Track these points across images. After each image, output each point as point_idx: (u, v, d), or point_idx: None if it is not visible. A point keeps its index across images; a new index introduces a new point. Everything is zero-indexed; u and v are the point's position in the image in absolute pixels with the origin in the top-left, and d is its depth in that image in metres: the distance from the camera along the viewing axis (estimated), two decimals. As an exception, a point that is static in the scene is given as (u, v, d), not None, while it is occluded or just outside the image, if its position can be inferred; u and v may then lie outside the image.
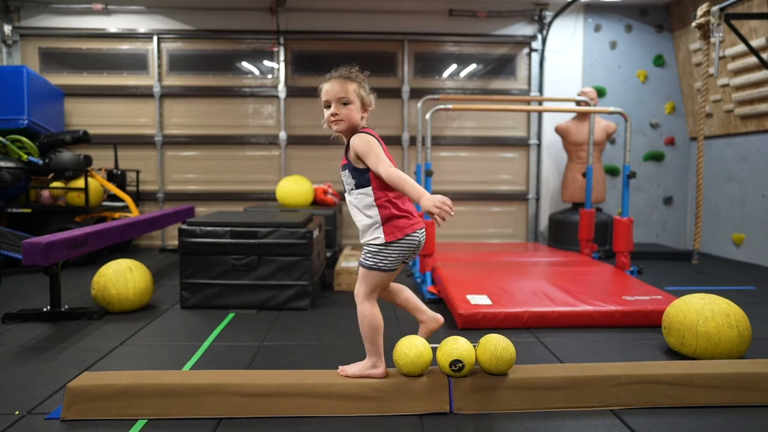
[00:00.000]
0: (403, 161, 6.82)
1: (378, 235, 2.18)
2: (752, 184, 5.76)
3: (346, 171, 2.23)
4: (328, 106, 2.21)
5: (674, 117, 6.87)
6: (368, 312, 2.24)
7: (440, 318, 2.48)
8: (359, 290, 2.25)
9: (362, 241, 2.25)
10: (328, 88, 2.19)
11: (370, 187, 2.17)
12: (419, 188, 2.03)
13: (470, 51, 6.83)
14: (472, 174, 6.89)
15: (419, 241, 2.23)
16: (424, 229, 2.26)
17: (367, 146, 2.12)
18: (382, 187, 2.16)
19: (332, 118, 2.20)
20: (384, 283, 2.27)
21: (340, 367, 2.30)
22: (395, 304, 2.47)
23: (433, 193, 3.36)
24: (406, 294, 2.47)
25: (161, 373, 2.27)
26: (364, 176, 2.17)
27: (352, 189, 2.22)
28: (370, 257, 2.20)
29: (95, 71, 6.61)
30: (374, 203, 2.17)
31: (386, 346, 2.42)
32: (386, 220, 2.17)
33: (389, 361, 2.30)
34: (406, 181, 2.05)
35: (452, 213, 1.96)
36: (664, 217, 6.95)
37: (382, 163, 2.10)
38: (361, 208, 2.20)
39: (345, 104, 2.18)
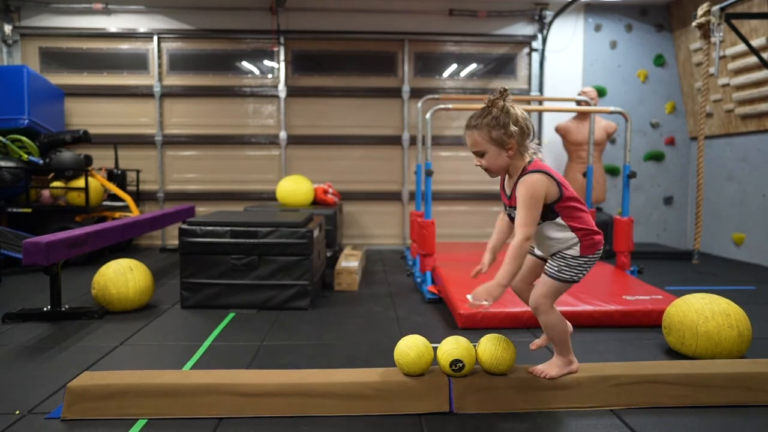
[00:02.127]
0: (404, 161, 6.82)
1: (572, 246, 2.13)
2: (752, 183, 5.76)
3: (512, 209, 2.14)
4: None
5: (674, 117, 6.87)
6: (558, 320, 2.22)
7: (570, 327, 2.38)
8: (545, 302, 2.19)
9: (545, 251, 2.20)
10: (467, 140, 2.13)
11: (559, 217, 2.10)
12: (507, 276, 2.06)
13: (470, 51, 6.83)
14: (472, 174, 6.86)
15: (599, 257, 2.22)
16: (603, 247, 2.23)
17: (529, 199, 2.01)
18: (569, 212, 2.10)
19: (482, 169, 2.13)
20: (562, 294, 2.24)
21: (530, 369, 2.26)
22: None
23: (433, 193, 3.38)
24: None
25: (161, 373, 2.27)
26: (547, 212, 2.08)
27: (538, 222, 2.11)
28: (565, 269, 2.14)
29: (95, 71, 6.61)
30: (565, 224, 2.11)
31: (386, 346, 2.43)
32: (582, 232, 2.14)
33: (389, 361, 2.30)
34: (514, 260, 2.04)
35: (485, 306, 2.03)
36: (665, 217, 6.95)
37: (524, 227, 2.00)
38: (550, 231, 2.13)
39: (481, 155, 2.09)
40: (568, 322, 2.28)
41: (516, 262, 2.05)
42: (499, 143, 2.05)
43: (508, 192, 2.16)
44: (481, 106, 2.13)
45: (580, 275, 2.17)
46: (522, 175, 2.07)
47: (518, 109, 2.09)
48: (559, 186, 2.08)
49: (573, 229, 2.12)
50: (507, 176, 2.17)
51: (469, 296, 2.06)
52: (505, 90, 2.14)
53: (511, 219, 2.18)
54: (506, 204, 2.20)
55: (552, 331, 2.23)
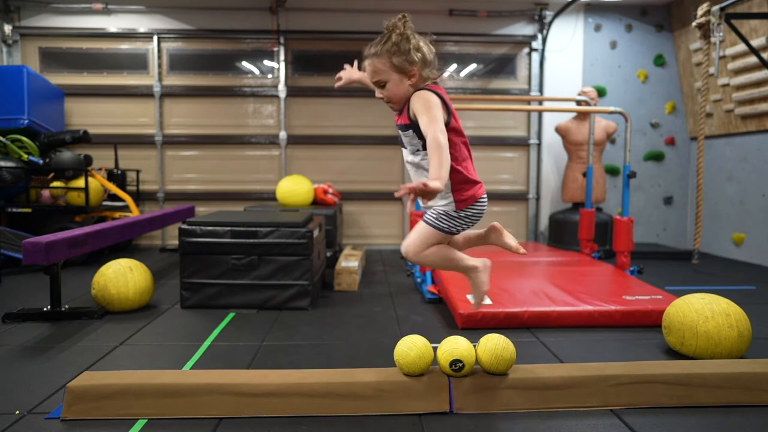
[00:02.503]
0: (404, 161, 6.81)
1: (448, 200, 2.03)
2: (752, 184, 5.76)
3: (409, 131, 2.00)
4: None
5: (674, 117, 6.87)
6: (431, 254, 2.06)
7: (488, 262, 2.24)
8: (413, 245, 2.04)
9: (428, 203, 2.06)
10: (366, 69, 2.01)
11: None
12: (443, 170, 1.80)
13: (470, 51, 6.83)
14: (472, 174, 6.87)
15: (485, 207, 2.10)
16: (486, 196, 2.11)
17: (424, 105, 1.89)
18: (454, 144, 1.96)
19: (384, 101, 2.02)
20: (438, 243, 2.09)
21: (473, 305, 2.17)
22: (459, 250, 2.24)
23: None
24: (464, 238, 2.29)
25: (161, 373, 2.27)
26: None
27: (417, 150, 2.01)
28: (441, 219, 2.03)
29: (95, 71, 6.61)
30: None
31: (386, 346, 2.43)
32: (457, 184, 2.01)
33: (389, 361, 2.30)
34: (440, 154, 1.81)
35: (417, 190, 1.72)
36: (664, 217, 6.95)
37: (433, 126, 1.85)
38: (428, 169, 1.91)
39: (382, 86, 1.98)
40: (449, 251, 2.09)
41: (440, 153, 1.82)
42: (401, 70, 1.94)
43: (400, 113, 2.05)
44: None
45: (461, 228, 2.07)
46: (420, 88, 1.98)
47: (419, 37, 2.00)
48: (449, 112, 1.97)
49: (451, 171, 1.94)
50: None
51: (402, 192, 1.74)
52: (404, 15, 2.00)
53: (401, 141, 2.07)
54: (397, 123, 2.07)
55: (436, 266, 2.10)
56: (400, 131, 2.08)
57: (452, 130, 1.99)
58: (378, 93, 2.01)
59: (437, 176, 1.80)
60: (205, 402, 2.10)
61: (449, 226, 2.07)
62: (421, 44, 1.97)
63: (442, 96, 1.98)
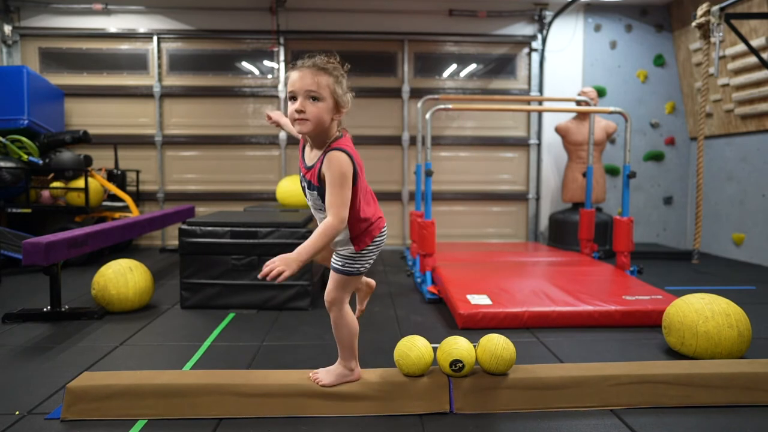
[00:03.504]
0: (403, 161, 6.82)
1: (347, 246, 2.07)
2: (752, 184, 5.76)
3: (314, 192, 1.98)
4: (293, 98, 1.89)
5: (674, 117, 6.87)
6: (350, 320, 2.14)
7: (372, 282, 2.38)
8: (337, 297, 2.09)
9: (333, 248, 2.12)
10: (297, 78, 1.87)
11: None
12: (308, 251, 1.87)
13: (470, 51, 6.83)
14: (472, 174, 6.88)
15: (384, 239, 2.13)
16: (386, 227, 2.14)
17: (338, 178, 1.87)
18: (357, 204, 1.98)
19: (297, 116, 1.86)
20: (355, 285, 2.16)
21: (310, 373, 2.20)
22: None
23: (433, 194, 3.33)
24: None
25: (161, 373, 2.27)
26: None
27: (320, 209, 2.01)
28: (346, 264, 2.07)
29: (95, 71, 6.61)
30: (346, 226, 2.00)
31: (386, 346, 2.43)
32: (357, 233, 2.04)
33: (389, 362, 2.30)
34: (322, 238, 1.90)
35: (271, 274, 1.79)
36: (664, 217, 6.95)
37: (334, 209, 1.88)
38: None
39: (314, 100, 1.87)
40: (357, 327, 2.17)
41: (322, 240, 1.89)
42: (337, 102, 1.90)
43: (309, 162, 1.99)
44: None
45: (367, 264, 2.10)
46: (329, 149, 1.91)
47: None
48: (355, 172, 1.93)
49: (350, 227, 2.00)
50: (311, 143, 2.00)
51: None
52: (346, 63, 1.98)
53: (305, 191, 2.05)
54: (304, 174, 2.02)
55: (340, 331, 2.14)
56: (304, 184, 2.03)
57: (356, 193, 1.97)
58: (299, 105, 1.87)
59: (301, 254, 1.86)
60: (205, 402, 2.10)
61: (355, 268, 2.08)
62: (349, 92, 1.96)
63: (352, 157, 1.94)
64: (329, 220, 1.90)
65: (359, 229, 2.04)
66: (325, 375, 2.19)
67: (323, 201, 1.95)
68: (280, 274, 1.79)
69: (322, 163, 1.92)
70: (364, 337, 3.12)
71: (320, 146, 1.97)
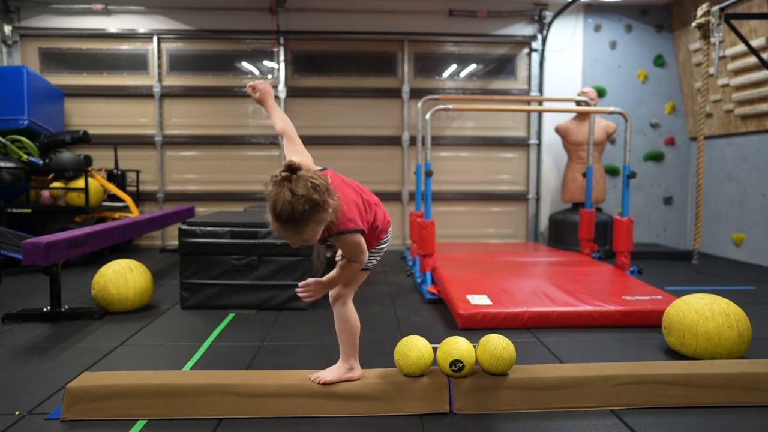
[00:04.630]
0: (403, 161, 6.82)
1: None
2: (752, 184, 5.76)
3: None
4: None
5: (674, 117, 6.87)
6: (353, 315, 2.20)
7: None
8: (342, 292, 2.17)
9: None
10: (277, 231, 1.90)
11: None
12: (334, 282, 2.09)
13: (470, 51, 6.83)
14: (472, 174, 6.88)
15: (389, 237, 2.25)
16: (391, 227, 2.25)
17: (354, 252, 2.02)
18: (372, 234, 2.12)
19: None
20: (359, 280, 2.23)
21: (309, 376, 2.20)
22: None
23: (433, 194, 3.30)
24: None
25: (161, 373, 2.27)
26: None
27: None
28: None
29: (95, 71, 6.61)
30: None
31: (386, 346, 2.43)
32: (369, 240, 2.13)
33: (389, 362, 2.30)
34: (347, 274, 2.09)
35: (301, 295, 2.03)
36: (664, 217, 6.95)
37: (357, 257, 2.05)
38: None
39: (302, 235, 1.88)
40: (359, 324, 2.21)
41: (344, 277, 2.11)
42: (320, 220, 1.84)
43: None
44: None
45: (374, 261, 2.22)
46: (338, 232, 1.95)
47: (307, 179, 1.79)
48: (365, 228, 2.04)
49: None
50: None
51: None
52: (291, 169, 1.81)
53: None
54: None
55: (343, 328, 2.19)
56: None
57: (372, 229, 2.12)
58: (294, 243, 1.93)
59: (330, 284, 2.09)
60: (205, 402, 2.10)
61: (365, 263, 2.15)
62: (318, 186, 1.79)
63: (362, 229, 2.00)
64: (353, 264, 2.08)
65: (369, 235, 2.13)
66: (327, 374, 2.21)
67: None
68: (310, 298, 2.07)
69: (329, 234, 1.98)
70: (365, 337, 3.11)
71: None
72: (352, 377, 2.20)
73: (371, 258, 2.19)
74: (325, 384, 2.16)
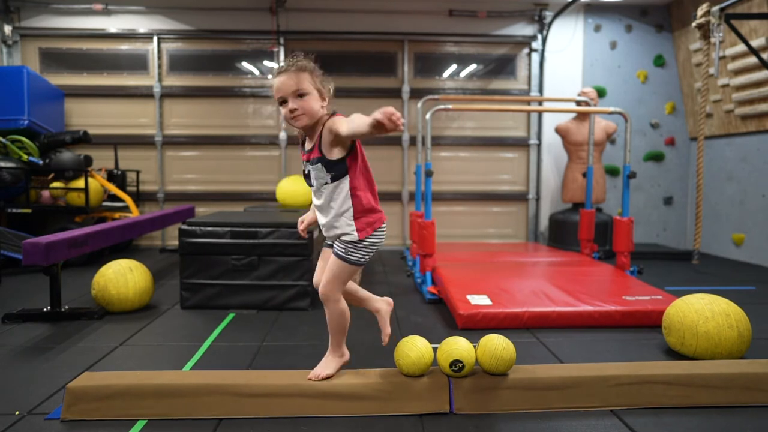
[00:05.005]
0: (403, 161, 6.82)
1: (350, 230, 2.12)
2: (752, 184, 5.76)
3: (318, 165, 2.09)
4: (284, 102, 2.06)
5: (674, 117, 6.87)
6: (344, 309, 2.23)
7: (389, 299, 2.41)
8: (334, 287, 2.17)
9: (330, 234, 2.18)
10: (281, 82, 2.05)
11: (347, 177, 2.09)
12: (357, 123, 1.91)
13: (470, 51, 6.83)
14: (472, 174, 6.89)
15: (384, 235, 2.22)
16: (386, 224, 2.23)
17: (341, 120, 2.01)
18: (358, 174, 2.10)
19: (291, 114, 2.05)
20: (350, 277, 2.22)
21: (309, 376, 2.22)
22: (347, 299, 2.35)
23: (433, 194, 3.30)
24: (354, 286, 2.39)
25: (161, 373, 2.27)
26: (341, 166, 2.07)
27: (326, 183, 2.11)
28: (349, 251, 2.13)
29: (95, 71, 6.61)
30: (349, 193, 2.10)
31: (387, 346, 2.42)
32: (357, 213, 2.11)
33: (389, 362, 2.30)
34: (355, 119, 1.94)
35: (400, 124, 1.76)
36: (664, 217, 6.95)
37: (352, 119, 1.97)
38: (334, 200, 2.12)
39: (301, 96, 2.04)
40: (349, 315, 2.26)
41: (355, 120, 1.94)
42: (320, 91, 2.08)
43: (308, 147, 2.15)
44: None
45: (367, 256, 2.18)
46: (325, 122, 2.06)
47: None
48: (354, 142, 2.08)
49: (353, 201, 2.10)
50: (308, 135, 2.16)
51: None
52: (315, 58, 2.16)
53: (307, 176, 2.17)
54: (306, 159, 2.16)
55: (335, 321, 2.23)
56: (309, 166, 2.14)
57: (356, 158, 2.10)
58: (291, 104, 2.04)
59: (357, 121, 1.91)
60: (205, 402, 2.10)
61: (357, 257, 2.15)
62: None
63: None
64: (345, 129, 1.97)
65: (362, 215, 2.13)
66: (323, 369, 2.24)
67: (327, 170, 2.08)
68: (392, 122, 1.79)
69: (321, 136, 2.07)
70: (365, 337, 3.12)
71: (317, 131, 2.11)
72: (345, 362, 2.29)
73: (364, 250, 2.15)
74: (326, 378, 2.20)
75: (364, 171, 2.14)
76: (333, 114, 2.09)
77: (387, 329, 2.33)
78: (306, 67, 2.08)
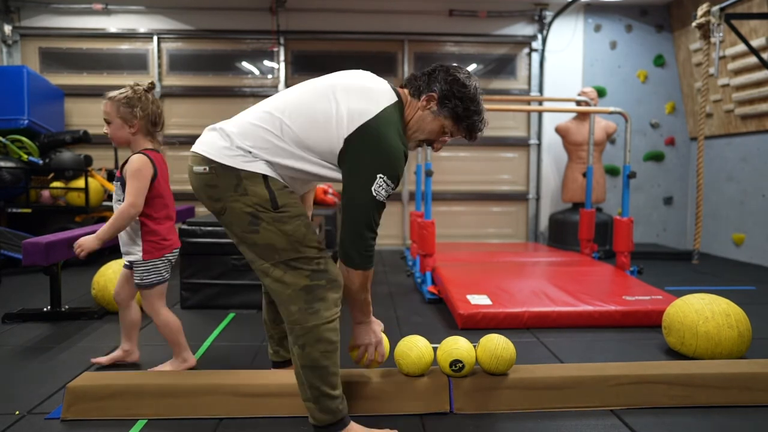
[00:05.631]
0: (403, 161, 6.81)
1: (136, 251, 2.37)
2: (752, 184, 5.76)
3: (118, 183, 2.39)
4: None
5: (674, 117, 6.87)
6: (171, 318, 2.46)
7: (136, 357, 2.61)
8: (152, 305, 2.43)
9: (127, 259, 2.43)
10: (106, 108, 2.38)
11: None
12: (106, 235, 2.30)
13: (470, 51, 6.83)
14: (472, 174, 6.89)
15: (175, 256, 2.48)
16: (177, 250, 2.49)
17: (136, 173, 2.31)
18: (149, 203, 2.35)
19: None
20: (161, 293, 2.45)
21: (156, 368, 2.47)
22: (121, 315, 2.56)
23: (433, 194, 3.20)
24: (135, 319, 2.58)
25: (161, 373, 2.27)
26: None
27: (119, 200, 2.38)
28: (147, 275, 2.38)
29: (95, 71, 6.61)
30: (138, 218, 2.36)
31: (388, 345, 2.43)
32: (146, 236, 2.37)
33: (389, 362, 2.30)
34: (115, 224, 2.29)
35: (77, 252, 2.28)
36: (664, 217, 6.95)
37: (130, 198, 2.28)
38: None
39: (107, 123, 2.38)
40: (177, 319, 2.48)
41: (118, 223, 2.30)
42: (124, 119, 2.36)
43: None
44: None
45: (163, 273, 2.42)
46: (133, 155, 2.37)
47: (156, 103, 2.47)
48: (155, 174, 2.38)
49: (142, 226, 2.37)
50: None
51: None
52: (153, 84, 2.49)
53: (111, 197, 2.45)
54: (117, 176, 2.45)
55: (166, 330, 2.46)
56: (116, 182, 2.45)
57: (151, 190, 2.37)
58: (105, 128, 2.41)
59: (101, 234, 2.30)
60: (205, 402, 2.10)
61: (153, 277, 2.40)
62: (150, 107, 2.43)
63: (152, 159, 2.39)
64: (124, 205, 2.30)
65: (148, 237, 2.37)
66: (162, 368, 2.46)
67: (123, 191, 2.34)
68: (83, 251, 2.30)
69: (125, 163, 2.37)
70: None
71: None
72: (189, 366, 2.49)
73: (156, 270, 2.39)
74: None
75: (161, 202, 2.41)
76: (145, 151, 2.39)
77: (103, 360, 2.56)
78: (113, 98, 2.35)
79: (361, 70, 1.93)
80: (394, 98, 1.83)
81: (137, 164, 2.34)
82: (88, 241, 2.31)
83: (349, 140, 1.71)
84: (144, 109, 2.40)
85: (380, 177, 1.69)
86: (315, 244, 1.80)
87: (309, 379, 1.79)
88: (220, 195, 1.77)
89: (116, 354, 2.58)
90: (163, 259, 2.41)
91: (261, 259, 1.78)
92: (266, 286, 1.83)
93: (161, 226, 2.40)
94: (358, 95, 1.76)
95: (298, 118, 1.75)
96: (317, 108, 1.75)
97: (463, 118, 1.87)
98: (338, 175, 1.80)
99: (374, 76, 1.91)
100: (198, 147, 1.84)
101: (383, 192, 1.71)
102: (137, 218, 2.35)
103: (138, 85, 2.42)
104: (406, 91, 1.91)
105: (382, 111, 1.74)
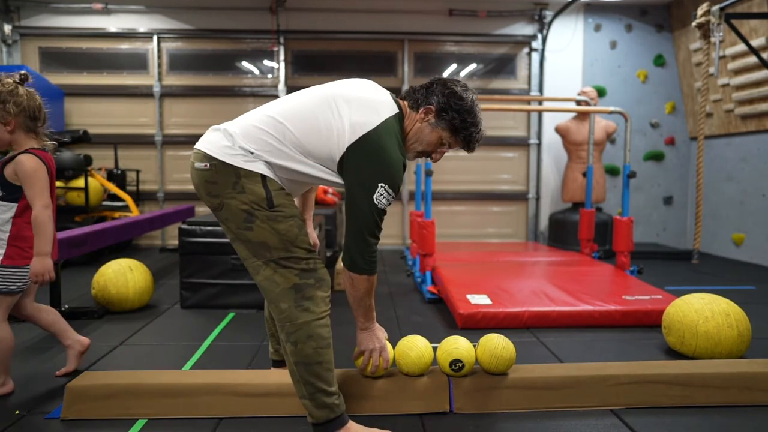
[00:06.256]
0: (403, 161, 6.81)
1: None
2: (752, 184, 5.76)
3: None
4: None
5: (674, 117, 6.87)
6: (7, 335, 2.24)
7: (85, 341, 2.51)
8: None
9: None
10: None
11: (16, 205, 2.21)
12: (47, 247, 2.16)
13: (470, 51, 6.83)
14: (472, 174, 6.89)
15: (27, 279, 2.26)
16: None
17: (33, 175, 2.16)
18: (27, 210, 2.20)
19: None
20: (12, 303, 2.26)
21: None
22: (39, 325, 2.46)
23: (433, 194, 3.26)
24: (52, 317, 2.47)
25: (161, 373, 2.27)
26: (15, 191, 2.20)
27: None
28: (0, 281, 2.19)
29: (95, 71, 6.62)
30: (11, 219, 2.20)
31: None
32: (13, 240, 2.20)
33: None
34: (43, 232, 2.16)
35: (46, 280, 2.16)
36: (664, 217, 6.95)
37: (38, 202, 2.15)
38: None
39: None
40: (13, 339, 2.27)
41: (45, 229, 2.18)
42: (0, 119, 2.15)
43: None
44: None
45: (19, 284, 2.22)
46: (18, 155, 2.19)
47: (32, 96, 2.22)
48: (49, 171, 2.24)
49: (12, 227, 2.20)
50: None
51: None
52: (26, 75, 2.25)
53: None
54: None
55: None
56: None
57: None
58: None
59: (42, 251, 2.17)
60: (204, 402, 2.10)
61: (7, 285, 2.20)
62: (26, 101, 2.18)
63: (43, 159, 2.23)
64: (35, 212, 2.17)
65: (14, 243, 2.20)
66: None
67: (2, 189, 2.19)
68: (45, 275, 2.18)
69: (11, 160, 2.20)
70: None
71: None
72: (4, 391, 2.26)
73: (13, 278, 2.20)
74: None
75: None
76: (33, 150, 2.21)
77: (70, 367, 2.48)
78: None
79: (364, 80, 1.97)
80: (395, 109, 1.87)
81: (32, 165, 2.17)
82: (41, 266, 2.17)
83: (351, 149, 1.76)
84: (18, 104, 2.16)
85: (381, 186, 1.75)
86: (305, 246, 1.84)
87: (303, 376, 1.81)
88: (218, 191, 1.80)
89: None
90: (26, 268, 2.21)
91: (253, 257, 1.81)
92: (257, 284, 1.86)
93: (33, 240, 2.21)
94: (360, 106, 1.81)
95: (300, 125, 1.79)
96: (320, 117, 1.79)
97: (460, 129, 1.90)
98: (335, 179, 1.85)
99: (377, 86, 1.94)
100: (201, 144, 1.85)
101: (384, 200, 1.77)
102: (10, 218, 2.19)
103: (7, 76, 2.19)
104: (405, 103, 1.95)
105: (383, 122, 1.80)
